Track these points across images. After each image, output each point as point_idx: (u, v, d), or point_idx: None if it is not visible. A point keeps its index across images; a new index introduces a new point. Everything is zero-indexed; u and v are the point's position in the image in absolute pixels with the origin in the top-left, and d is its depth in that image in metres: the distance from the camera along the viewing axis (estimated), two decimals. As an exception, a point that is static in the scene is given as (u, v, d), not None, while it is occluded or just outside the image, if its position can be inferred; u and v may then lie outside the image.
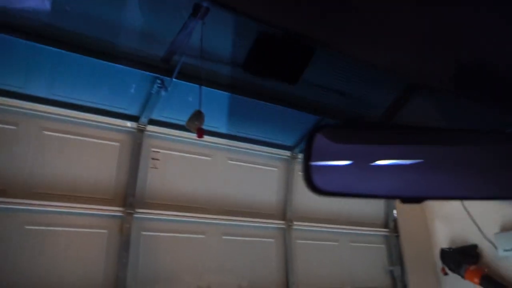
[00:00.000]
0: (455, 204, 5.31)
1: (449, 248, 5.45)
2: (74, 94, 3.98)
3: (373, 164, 0.98)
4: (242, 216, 4.95)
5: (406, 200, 1.01)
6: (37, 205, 3.80)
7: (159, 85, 3.80)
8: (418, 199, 1.00)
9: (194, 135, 3.58)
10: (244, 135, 4.96)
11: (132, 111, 4.38)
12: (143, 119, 4.42)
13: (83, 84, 3.87)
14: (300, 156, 5.37)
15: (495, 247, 5.09)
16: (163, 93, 3.89)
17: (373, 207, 6.08)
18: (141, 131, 4.49)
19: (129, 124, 4.46)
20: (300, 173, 5.37)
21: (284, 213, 5.30)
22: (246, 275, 4.76)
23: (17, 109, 3.85)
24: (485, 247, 5.25)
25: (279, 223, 5.24)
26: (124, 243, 4.12)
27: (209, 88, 3.78)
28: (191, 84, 3.78)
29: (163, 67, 3.61)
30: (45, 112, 3.98)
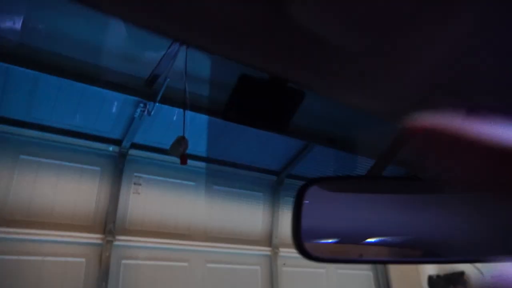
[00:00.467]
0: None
1: (437, 275, 5.40)
2: (53, 117, 3.86)
3: (371, 226, 0.91)
4: (227, 243, 4.81)
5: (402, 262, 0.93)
6: (10, 233, 3.60)
7: (142, 109, 3.73)
8: (416, 262, 0.93)
9: (178, 160, 3.49)
10: (229, 160, 4.89)
11: (114, 135, 4.27)
12: (126, 143, 4.31)
13: (63, 106, 3.75)
14: (286, 181, 5.30)
15: (482, 274, 5.05)
16: (146, 117, 3.81)
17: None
18: (123, 155, 4.38)
19: (110, 148, 4.34)
20: (286, 198, 5.31)
21: (270, 239, 5.18)
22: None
23: (-8, 133, 3.72)
24: (472, 273, 5.22)
25: (264, 250, 5.10)
26: (103, 273, 3.93)
27: (194, 112, 3.72)
28: (175, 108, 3.72)
29: (146, 90, 3.54)
30: (22, 135, 3.84)
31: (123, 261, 4.14)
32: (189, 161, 3.61)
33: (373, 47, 0.35)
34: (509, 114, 0.48)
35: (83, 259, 3.95)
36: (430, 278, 5.41)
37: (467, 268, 5.24)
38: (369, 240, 0.91)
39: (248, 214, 5.15)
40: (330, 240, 0.89)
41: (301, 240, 0.78)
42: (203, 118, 4.02)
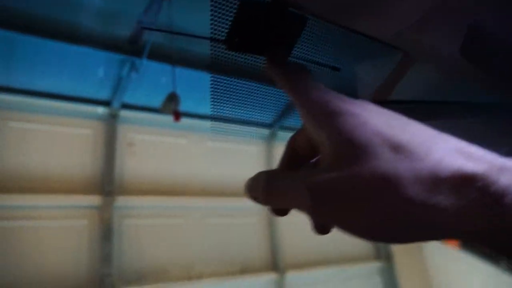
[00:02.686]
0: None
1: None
2: (35, 81, 3.69)
3: None
4: (225, 197, 4.84)
5: None
6: (4, 199, 3.53)
7: (129, 66, 3.57)
8: None
9: (171, 118, 3.40)
10: (222, 115, 4.79)
11: (102, 96, 4.13)
12: (115, 104, 4.18)
13: (45, 69, 3.57)
14: (280, 134, 5.26)
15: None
16: (134, 75, 3.65)
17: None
18: (114, 116, 4.27)
19: (100, 109, 4.21)
20: (279, 151, 5.26)
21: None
22: (235, 260, 4.66)
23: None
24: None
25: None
26: (105, 234, 3.96)
27: (182, 68, 3.58)
28: (163, 64, 3.56)
29: (131, 48, 3.37)
30: (5, 101, 3.69)
31: (125, 222, 4.17)
32: (182, 119, 3.52)
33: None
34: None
35: (85, 222, 3.97)
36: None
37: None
38: None
39: (243, 169, 5.14)
40: None
41: None
42: (192, 74, 3.88)
